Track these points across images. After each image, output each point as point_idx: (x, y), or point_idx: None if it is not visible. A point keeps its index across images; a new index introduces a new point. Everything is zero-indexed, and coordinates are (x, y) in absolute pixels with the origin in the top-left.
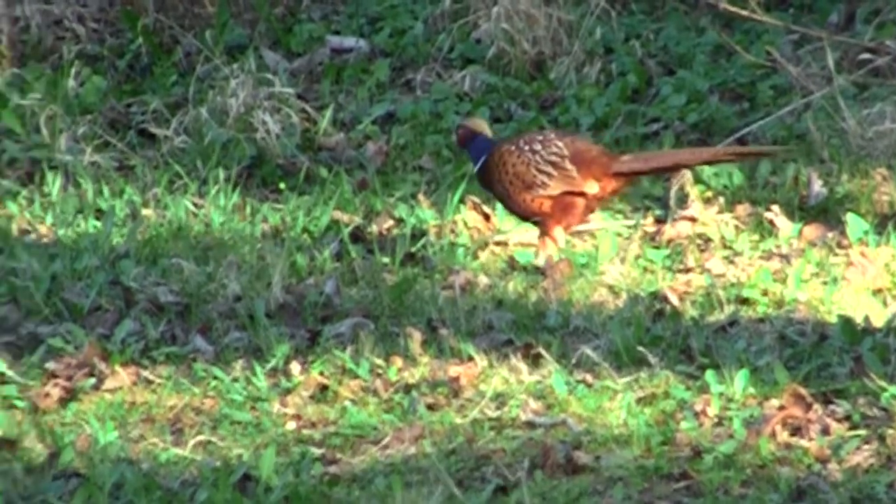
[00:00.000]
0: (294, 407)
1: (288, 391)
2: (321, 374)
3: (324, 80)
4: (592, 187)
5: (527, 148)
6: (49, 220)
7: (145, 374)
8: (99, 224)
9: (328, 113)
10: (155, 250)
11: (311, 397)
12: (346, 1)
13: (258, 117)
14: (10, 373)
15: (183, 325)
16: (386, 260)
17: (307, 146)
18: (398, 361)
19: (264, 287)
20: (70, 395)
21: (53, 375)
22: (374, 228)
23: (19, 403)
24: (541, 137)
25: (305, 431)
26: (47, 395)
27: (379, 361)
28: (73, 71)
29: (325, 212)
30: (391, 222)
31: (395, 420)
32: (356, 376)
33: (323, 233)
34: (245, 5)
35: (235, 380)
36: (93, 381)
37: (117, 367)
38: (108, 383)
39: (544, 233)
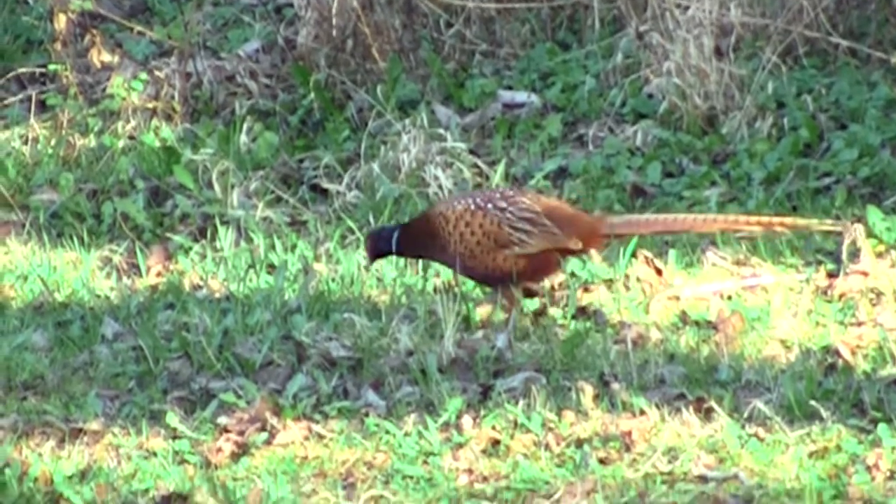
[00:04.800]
0: (466, 461)
1: (460, 445)
2: (493, 428)
3: (496, 135)
4: (577, 244)
5: (490, 206)
6: (221, 275)
7: (317, 428)
8: (271, 279)
9: (500, 168)
10: (327, 305)
11: (483, 451)
12: (518, 56)
13: (430, 172)
14: (182, 428)
15: (355, 379)
16: (558, 314)
17: None
18: (570, 416)
19: (436, 341)
20: (242, 450)
21: (225, 430)
22: (546, 283)
23: (191, 458)
24: (498, 195)
25: (477, 486)
26: (219, 449)
27: (551, 416)
28: (245, 126)
29: None
30: (563, 276)
31: (567, 474)
32: (528, 430)
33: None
34: (417, 61)
35: (407, 434)
36: (265, 435)
37: (289, 422)
38: (280, 438)
39: (502, 291)
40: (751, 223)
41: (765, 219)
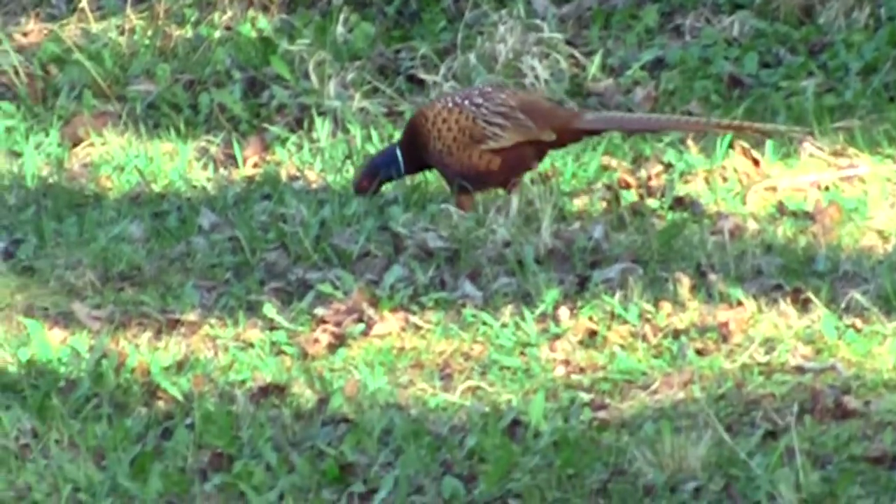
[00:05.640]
0: (563, 352)
1: (557, 336)
2: (590, 319)
3: (592, 26)
4: (550, 136)
5: (467, 103)
6: (318, 166)
7: (414, 319)
8: None
9: (597, 58)
10: (424, 196)
11: (580, 343)
12: None
13: (526, 63)
14: (279, 319)
15: (452, 270)
16: (655, 205)
17: (576, 92)
18: (667, 307)
19: (533, 232)
20: (339, 341)
21: (322, 321)
22: (643, 173)
23: (288, 350)
24: (477, 91)
25: (574, 377)
26: (316, 341)
27: (648, 307)
28: (341, 17)
29: (593, 157)
30: (660, 167)
31: (664, 365)
32: (625, 322)
33: (592, 178)
34: None
35: (504, 325)
36: (362, 326)
37: (386, 313)
38: (377, 329)
39: (459, 194)
40: (722, 126)
41: (736, 122)
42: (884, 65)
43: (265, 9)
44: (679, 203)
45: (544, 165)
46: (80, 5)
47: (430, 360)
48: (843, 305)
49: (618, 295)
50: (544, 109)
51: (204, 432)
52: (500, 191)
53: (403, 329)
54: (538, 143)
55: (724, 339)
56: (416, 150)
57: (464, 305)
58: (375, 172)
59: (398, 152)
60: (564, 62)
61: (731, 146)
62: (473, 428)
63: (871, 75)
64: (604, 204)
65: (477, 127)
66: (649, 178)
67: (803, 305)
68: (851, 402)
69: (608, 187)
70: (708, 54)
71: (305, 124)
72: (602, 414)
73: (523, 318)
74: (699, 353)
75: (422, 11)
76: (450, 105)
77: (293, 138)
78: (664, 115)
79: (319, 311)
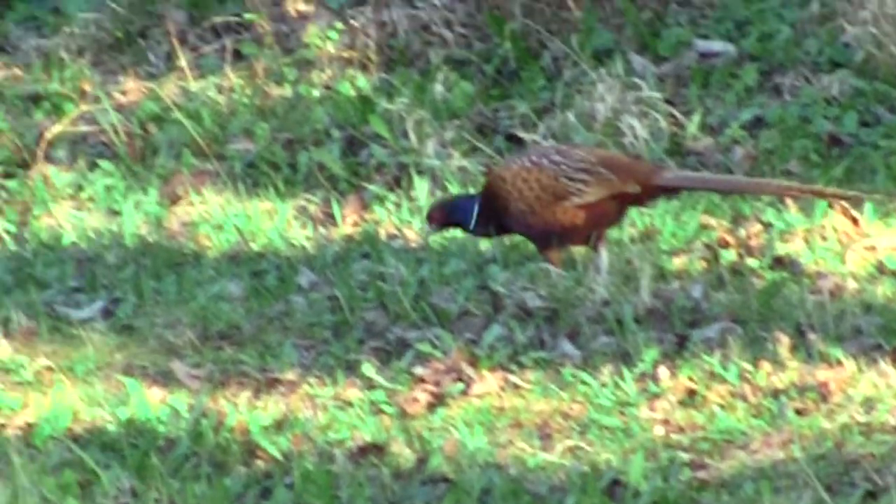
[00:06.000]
0: (662, 412)
1: (656, 396)
2: (689, 378)
3: (691, 85)
4: (635, 188)
5: (545, 161)
6: (417, 224)
7: (513, 379)
8: None
9: (696, 117)
10: (522, 255)
11: (680, 402)
12: (714, 5)
13: (625, 122)
14: (378, 378)
15: (550, 329)
16: (754, 264)
17: (674, 150)
18: (766, 366)
19: (632, 291)
20: (438, 401)
21: (421, 381)
22: (743, 232)
23: (387, 409)
24: (553, 150)
25: (674, 436)
26: (415, 400)
27: (747, 366)
28: (440, 76)
29: (693, 216)
30: (759, 226)
31: (764, 425)
32: (724, 381)
33: (691, 237)
34: (612, 10)
35: (604, 385)
36: (461, 386)
37: (485, 372)
38: (476, 388)
39: (543, 251)
40: (804, 191)
41: (817, 188)
42: None
43: (364, 68)
44: (778, 262)
45: (643, 223)
46: (180, 64)
47: (529, 420)
48: None
49: (717, 354)
50: (624, 163)
51: (303, 492)
52: (586, 247)
53: (502, 388)
54: (622, 197)
55: (824, 398)
56: (494, 212)
57: (563, 365)
58: (451, 213)
59: (476, 206)
60: (663, 121)
61: (830, 205)
62: (573, 488)
63: None
64: (703, 263)
65: (559, 184)
66: (748, 238)
67: None
68: None
69: (707, 246)
70: (807, 113)
71: (404, 183)
72: (702, 474)
73: (622, 378)
74: (799, 412)
75: (521, 70)
76: (528, 164)
77: (392, 197)
78: (744, 177)
79: (418, 370)
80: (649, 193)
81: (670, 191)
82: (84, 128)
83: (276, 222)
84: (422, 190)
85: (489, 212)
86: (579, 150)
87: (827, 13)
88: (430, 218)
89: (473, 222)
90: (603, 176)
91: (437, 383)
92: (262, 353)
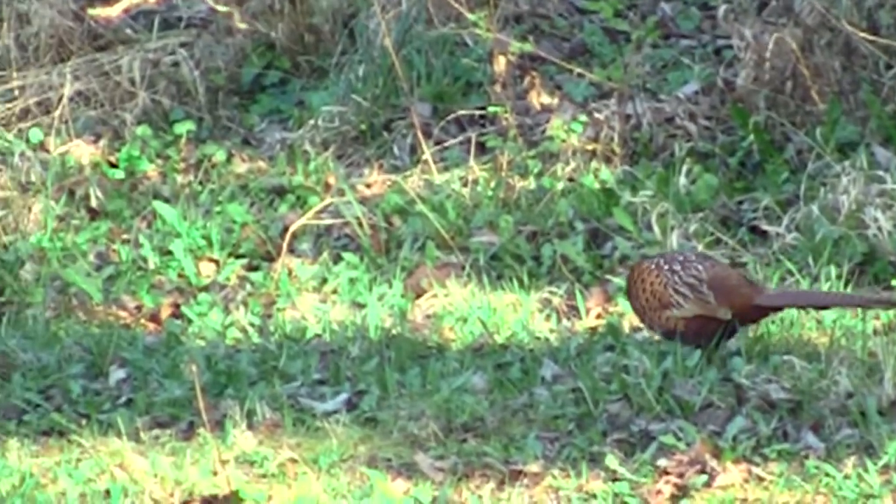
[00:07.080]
0: None
1: None
2: None
3: None
4: (725, 314)
5: (666, 267)
6: None
7: (757, 471)
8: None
9: None
10: (766, 347)
11: None
12: None
13: (869, 214)
14: (622, 470)
15: (794, 421)
16: None
17: None
18: None
19: (876, 383)
20: (682, 493)
21: (665, 472)
22: None
23: (631, 501)
24: (682, 258)
25: None
26: (659, 492)
27: None
28: (684, 168)
29: None
30: None
31: None
32: None
33: None
34: (856, 102)
35: (847, 477)
36: (704, 478)
37: (729, 464)
38: (720, 480)
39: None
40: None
41: None
42: None
43: (608, 160)
44: None
45: (887, 316)
46: (424, 157)
47: None
48: None
49: None
50: (729, 286)
51: None
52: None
53: (746, 480)
54: (715, 319)
55: None
56: (629, 300)
57: (806, 457)
58: None
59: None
60: None
61: None
62: None
63: None
64: None
65: (666, 293)
66: None
67: None
68: None
69: None
70: None
71: None
72: None
73: (866, 470)
74: None
75: (765, 163)
76: (652, 266)
77: None
78: (839, 292)
79: (662, 462)
80: (751, 315)
81: (772, 310)
82: (328, 220)
83: (520, 314)
84: None
85: (628, 287)
86: (700, 264)
87: None
88: None
89: None
90: (703, 296)
91: (680, 475)
92: (506, 445)
